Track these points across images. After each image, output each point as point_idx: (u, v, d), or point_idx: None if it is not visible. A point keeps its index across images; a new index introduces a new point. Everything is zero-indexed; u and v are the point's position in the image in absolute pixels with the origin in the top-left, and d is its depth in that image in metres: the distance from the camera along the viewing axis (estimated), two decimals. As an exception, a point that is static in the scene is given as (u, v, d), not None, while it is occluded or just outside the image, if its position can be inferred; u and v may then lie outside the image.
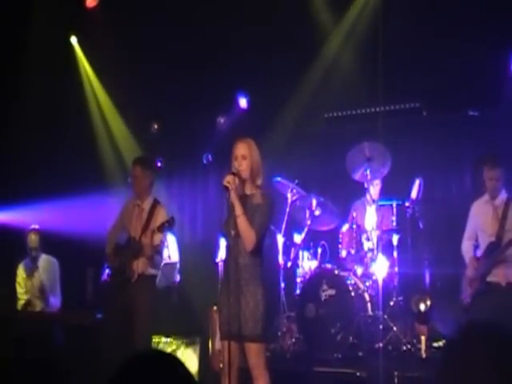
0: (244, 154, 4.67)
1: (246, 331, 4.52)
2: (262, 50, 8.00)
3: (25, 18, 8.47)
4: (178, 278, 7.59)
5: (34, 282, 7.49)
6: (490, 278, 5.67)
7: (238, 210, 4.54)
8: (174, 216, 6.00)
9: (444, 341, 6.16)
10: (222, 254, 5.20)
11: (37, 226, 7.55)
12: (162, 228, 5.89)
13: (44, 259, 7.61)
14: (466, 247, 5.96)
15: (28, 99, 8.63)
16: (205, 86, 8.40)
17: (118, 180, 8.83)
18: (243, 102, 8.68)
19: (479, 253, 5.83)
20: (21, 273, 7.56)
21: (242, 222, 4.54)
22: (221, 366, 5.32)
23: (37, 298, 7.46)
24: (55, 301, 7.52)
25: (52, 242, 7.64)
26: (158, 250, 6.06)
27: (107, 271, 6.36)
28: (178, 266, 7.71)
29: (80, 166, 8.79)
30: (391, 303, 6.53)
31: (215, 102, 8.60)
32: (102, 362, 6.01)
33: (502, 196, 5.86)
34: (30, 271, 7.50)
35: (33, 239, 7.45)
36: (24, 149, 8.66)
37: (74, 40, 9.14)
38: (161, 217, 6.06)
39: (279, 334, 6.75)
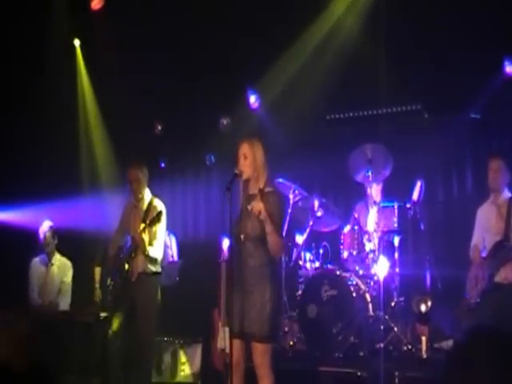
0: (246, 153, 4.68)
1: (252, 331, 4.54)
2: (263, 51, 8.04)
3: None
4: (177, 277, 7.66)
5: (48, 279, 7.58)
6: (497, 279, 5.68)
7: (269, 227, 4.51)
8: (165, 211, 6.12)
9: (444, 341, 6.20)
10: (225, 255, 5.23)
11: (50, 223, 7.62)
12: (152, 223, 5.96)
13: (58, 259, 7.69)
14: (474, 246, 5.96)
15: (31, 99, 8.70)
16: (207, 87, 8.44)
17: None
18: (253, 102, 8.70)
19: (485, 253, 5.84)
20: (36, 268, 7.63)
21: (273, 237, 4.54)
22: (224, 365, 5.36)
23: (49, 296, 7.54)
24: (63, 304, 7.59)
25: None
26: (152, 245, 6.11)
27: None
28: (178, 265, 7.78)
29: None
30: (392, 304, 6.56)
31: (218, 103, 8.64)
32: (106, 360, 6.07)
33: (505, 195, 5.90)
34: (46, 267, 7.59)
35: (47, 235, 7.53)
36: (21, 149, 8.72)
37: (76, 43, 9.20)
38: (155, 212, 6.13)
39: (281, 333, 6.79)
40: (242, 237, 4.61)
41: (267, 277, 4.60)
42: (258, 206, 4.49)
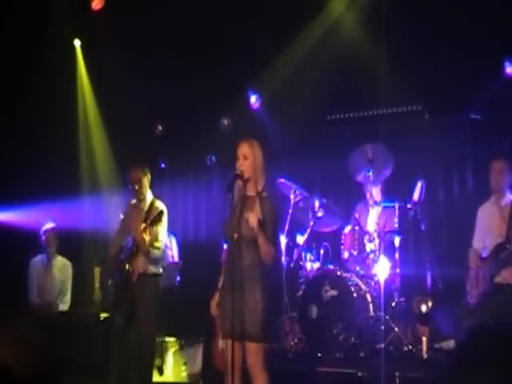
0: (246, 153, 4.68)
1: (245, 331, 4.54)
2: (264, 51, 8.05)
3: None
4: (177, 278, 7.67)
5: (48, 280, 7.59)
6: (498, 279, 5.69)
7: (262, 239, 4.55)
8: (166, 211, 6.13)
9: (445, 342, 6.20)
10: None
11: (53, 224, 7.64)
12: (153, 223, 5.97)
13: (59, 260, 7.70)
14: (473, 250, 5.96)
15: (31, 99, 8.71)
16: (208, 87, 8.44)
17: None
18: (254, 101, 8.70)
19: (485, 253, 5.84)
20: (36, 268, 7.65)
21: (264, 248, 4.57)
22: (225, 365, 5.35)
23: (48, 297, 7.56)
24: (63, 304, 7.60)
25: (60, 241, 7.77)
26: (153, 245, 6.11)
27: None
28: (178, 266, 7.78)
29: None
30: (393, 304, 6.56)
31: (218, 104, 8.65)
32: (106, 361, 6.07)
33: (508, 197, 5.90)
34: (46, 268, 7.62)
35: (50, 236, 7.54)
36: (24, 148, 8.72)
37: (77, 43, 9.20)
38: (156, 212, 6.13)
39: (282, 334, 6.79)
40: (235, 236, 4.61)
41: (258, 277, 4.62)
42: (253, 219, 4.52)
